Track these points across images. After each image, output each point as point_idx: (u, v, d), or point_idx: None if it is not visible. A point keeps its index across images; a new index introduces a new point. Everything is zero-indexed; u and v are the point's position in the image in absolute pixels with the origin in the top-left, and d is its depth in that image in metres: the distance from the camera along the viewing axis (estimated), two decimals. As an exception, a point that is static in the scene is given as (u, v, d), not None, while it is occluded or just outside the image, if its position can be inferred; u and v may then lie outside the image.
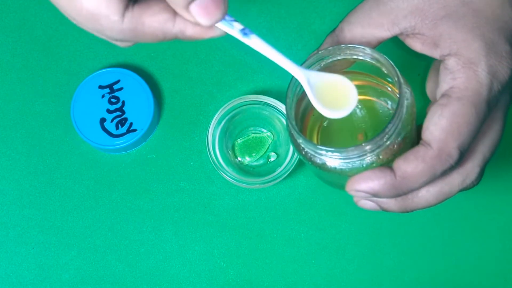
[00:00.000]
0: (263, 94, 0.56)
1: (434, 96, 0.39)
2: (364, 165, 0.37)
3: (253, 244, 0.56)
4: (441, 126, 0.35)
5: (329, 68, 0.40)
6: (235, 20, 0.36)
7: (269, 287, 0.56)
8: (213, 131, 0.55)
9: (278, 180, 0.54)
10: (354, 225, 0.56)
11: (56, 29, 0.59)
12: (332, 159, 0.38)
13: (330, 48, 0.40)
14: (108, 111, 0.57)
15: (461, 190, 0.39)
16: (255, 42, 0.37)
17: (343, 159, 0.37)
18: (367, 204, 0.40)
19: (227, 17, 0.35)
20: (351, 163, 0.37)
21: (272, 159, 0.57)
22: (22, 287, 0.56)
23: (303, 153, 0.39)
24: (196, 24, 0.34)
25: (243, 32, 0.37)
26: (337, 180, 0.40)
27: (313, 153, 0.38)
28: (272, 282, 0.56)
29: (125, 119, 0.57)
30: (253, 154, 0.57)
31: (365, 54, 0.38)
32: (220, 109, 0.55)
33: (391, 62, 0.38)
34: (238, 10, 0.60)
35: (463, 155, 0.36)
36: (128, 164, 0.58)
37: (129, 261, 0.56)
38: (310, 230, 0.56)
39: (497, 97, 0.37)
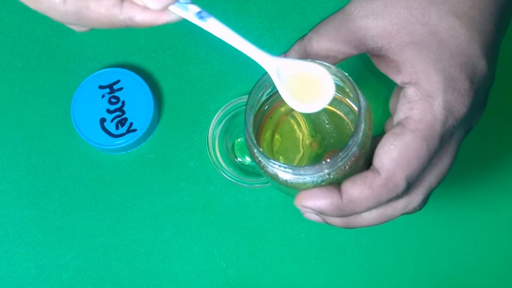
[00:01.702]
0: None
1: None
2: (314, 182, 0.38)
3: (253, 244, 0.56)
4: (392, 156, 0.36)
5: None
6: (191, 2, 0.33)
7: (269, 287, 0.56)
8: (213, 131, 0.55)
9: (278, 180, 0.54)
10: (354, 225, 0.56)
11: (56, 29, 0.59)
12: (284, 173, 0.38)
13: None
14: (108, 111, 0.57)
15: (403, 214, 0.40)
16: (213, 26, 0.34)
17: (295, 175, 0.38)
18: (313, 217, 0.40)
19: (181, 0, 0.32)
20: (301, 178, 0.38)
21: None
22: (22, 287, 0.56)
23: (257, 160, 0.39)
24: (145, 8, 0.31)
25: (199, 15, 0.33)
26: (287, 190, 0.40)
27: (265, 164, 0.38)
28: (272, 282, 0.56)
29: (125, 119, 0.57)
30: None
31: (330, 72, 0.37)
32: (220, 109, 0.55)
33: (355, 84, 0.37)
34: (238, 10, 0.60)
35: (410, 186, 0.37)
36: (128, 164, 0.58)
37: (129, 261, 0.56)
38: (310, 230, 0.56)
39: (451, 132, 0.37)
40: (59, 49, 0.59)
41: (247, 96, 0.56)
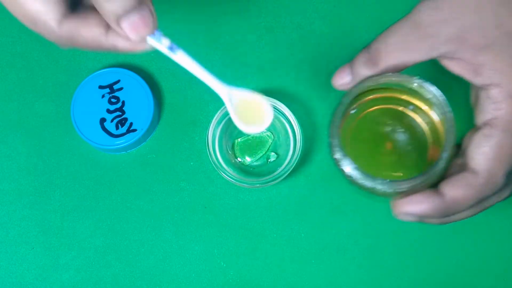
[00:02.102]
0: (263, 94, 0.56)
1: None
2: (397, 190, 0.40)
3: (253, 244, 0.56)
4: (488, 157, 0.38)
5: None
6: (164, 36, 0.39)
7: (269, 287, 0.56)
8: (213, 131, 0.55)
9: (278, 180, 0.55)
10: (354, 225, 0.56)
11: (56, 29, 0.59)
12: (381, 186, 0.40)
13: (378, 77, 0.41)
14: (108, 111, 0.57)
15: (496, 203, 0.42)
16: (181, 58, 0.40)
17: (392, 188, 0.40)
18: (409, 218, 0.42)
19: (156, 33, 0.39)
20: (399, 189, 0.40)
21: (272, 159, 0.57)
22: (22, 287, 0.56)
23: (349, 175, 0.41)
24: (127, 38, 0.38)
25: (170, 47, 0.40)
26: (363, 190, 0.42)
27: (361, 179, 0.41)
28: (272, 282, 0.56)
29: (125, 119, 0.57)
30: (253, 154, 0.57)
31: (413, 83, 0.41)
32: (220, 109, 0.55)
33: (445, 100, 0.40)
34: (238, 11, 0.60)
35: (508, 181, 0.39)
36: (128, 164, 0.58)
37: (129, 261, 0.56)
38: (310, 230, 0.56)
39: None
40: (59, 49, 0.59)
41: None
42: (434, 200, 0.39)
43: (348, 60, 0.43)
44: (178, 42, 0.40)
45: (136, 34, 0.37)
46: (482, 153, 0.38)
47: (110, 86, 0.57)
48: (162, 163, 0.58)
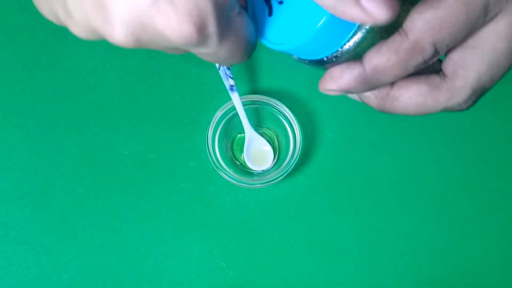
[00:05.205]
0: (263, 94, 0.56)
1: None
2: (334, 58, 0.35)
3: (253, 244, 0.56)
4: (425, 17, 0.32)
5: None
6: (232, 78, 0.52)
7: (269, 287, 0.56)
8: (213, 131, 0.55)
9: (278, 180, 0.55)
10: (354, 225, 0.56)
11: (56, 29, 0.59)
12: None
13: None
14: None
15: (446, 109, 0.36)
16: (235, 97, 0.53)
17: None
18: (349, 95, 0.38)
19: (227, 71, 0.48)
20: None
21: (271, 158, 0.57)
22: (22, 287, 0.56)
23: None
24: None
25: (231, 87, 0.52)
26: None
27: None
28: (272, 282, 0.56)
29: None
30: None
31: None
32: (220, 109, 0.55)
33: None
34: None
35: (437, 54, 0.33)
36: (128, 164, 0.58)
37: (129, 261, 0.56)
38: (310, 230, 0.56)
39: (499, 5, 0.33)
40: (59, 49, 0.59)
41: (247, 96, 0.56)
42: (353, 70, 0.34)
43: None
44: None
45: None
46: (419, 11, 0.32)
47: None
48: (162, 163, 0.58)
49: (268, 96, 0.56)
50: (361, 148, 0.57)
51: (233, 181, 0.54)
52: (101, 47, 0.59)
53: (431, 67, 0.36)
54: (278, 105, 0.55)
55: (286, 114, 0.55)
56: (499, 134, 0.58)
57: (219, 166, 0.55)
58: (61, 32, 0.59)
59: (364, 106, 0.58)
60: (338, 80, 0.35)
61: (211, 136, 0.55)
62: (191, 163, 0.58)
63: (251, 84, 0.59)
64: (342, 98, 0.58)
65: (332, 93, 0.36)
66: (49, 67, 0.59)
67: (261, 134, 0.57)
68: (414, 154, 0.57)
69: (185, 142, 0.58)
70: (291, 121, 0.56)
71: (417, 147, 0.57)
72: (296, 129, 0.55)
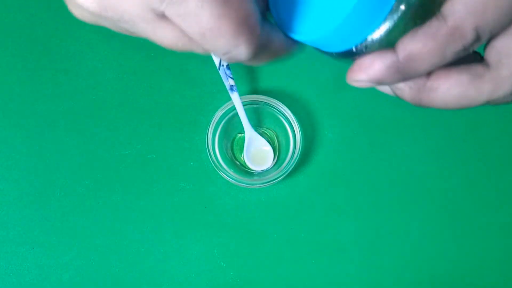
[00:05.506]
0: (263, 94, 0.56)
1: None
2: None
3: (253, 244, 0.56)
4: (465, 0, 0.30)
5: None
6: (232, 78, 0.51)
7: (269, 287, 0.56)
8: (213, 131, 0.55)
9: (278, 180, 0.55)
10: (354, 225, 0.56)
11: (56, 29, 0.59)
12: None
13: None
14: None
15: (489, 102, 0.33)
16: (234, 97, 0.53)
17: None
18: (381, 87, 0.35)
19: (227, 71, 0.48)
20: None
21: (272, 158, 0.57)
22: (22, 287, 0.56)
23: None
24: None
25: (231, 87, 0.52)
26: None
27: None
28: (272, 282, 0.56)
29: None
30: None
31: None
32: (220, 109, 0.55)
33: None
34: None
35: (478, 40, 0.31)
36: (128, 164, 0.58)
37: (129, 261, 0.56)
38: (310, 230, 0.56)
39: None
40: (59, 49, 0.59)
41: (247, 96, 0.56)
42: (385, 58, 0.31)
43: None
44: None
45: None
46: None
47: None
48: (162, 163, 0.58)
49: (268, 96, 0.56)
50: (361, 148, 0.57)
51: (233, 181, 0.54)
52: (101, 47, 0.59)
53: (471, 57, 0.34)
54: (278, 105, 0.55)
55: (286, 114, 0.55)
56: (499, 134, 0.58)
57: (219, 166, 0.55)
58: (61, 32, 0.59)
59: (364, 106, 0.58)
60: (368, 69, 0.32)
61: (211, 136, 0.55)
62: (191, 163, 0.58)
63: (251, 84, 0.59)
64: (341, 98, 0.58)
65: (361, 85, 0.33)
66: (49, 67, 0.59)
67: (261, 134, 0.57)
68: (414, 154, 0.57)
69: (185, 142, 0.58)
70: (291, 121, 0.56)
71: (417, 147, 0.57)
72: (296, 129, 0.55)
